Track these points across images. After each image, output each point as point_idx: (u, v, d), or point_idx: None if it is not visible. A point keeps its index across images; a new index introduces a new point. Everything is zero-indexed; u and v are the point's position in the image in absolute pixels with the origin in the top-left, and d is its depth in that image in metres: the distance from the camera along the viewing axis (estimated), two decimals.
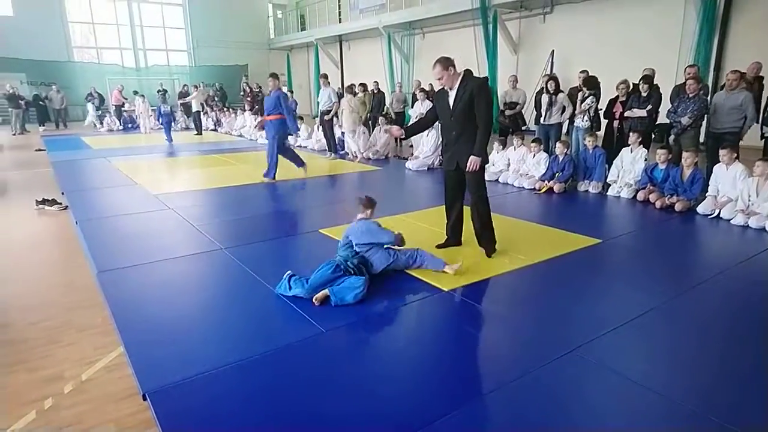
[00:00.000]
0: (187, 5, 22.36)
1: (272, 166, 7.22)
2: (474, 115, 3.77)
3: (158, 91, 18.54)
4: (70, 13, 19.96)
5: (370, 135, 10.04)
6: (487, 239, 4.04)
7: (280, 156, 7.28)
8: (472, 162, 3.81)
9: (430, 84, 12.57)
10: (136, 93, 16.59)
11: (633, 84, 6.80)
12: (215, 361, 2.44)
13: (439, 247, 4.18)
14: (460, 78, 3.82)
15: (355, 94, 9.97)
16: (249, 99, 15.08)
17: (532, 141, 7.05)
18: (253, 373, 2.38)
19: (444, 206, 4.30)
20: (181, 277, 3.65)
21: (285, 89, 14.61)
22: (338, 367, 2.44)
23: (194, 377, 2.31)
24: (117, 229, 4.88)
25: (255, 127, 11.72)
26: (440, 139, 8.55)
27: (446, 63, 3.79)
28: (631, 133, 6.25)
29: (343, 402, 2.17)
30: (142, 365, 2.41)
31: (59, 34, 19.36)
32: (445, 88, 3.89)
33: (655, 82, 6.63)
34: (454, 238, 4.25)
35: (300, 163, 7.60)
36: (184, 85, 18.89)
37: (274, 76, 7.52)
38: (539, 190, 6.41)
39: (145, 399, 2.17)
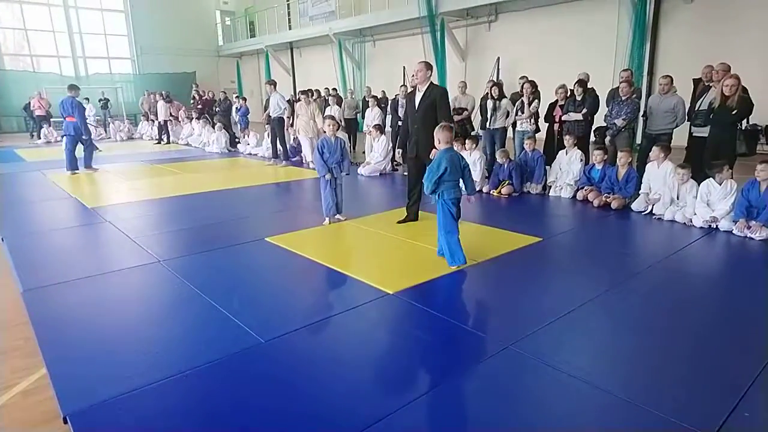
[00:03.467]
0: (130, 12, 21.63)
1: None
2: (431, 114, 4.69)
3: (100, 100, 17.85)
4: None
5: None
6: None
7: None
8: (433, 154, 4.52)
9: (383, 91, 12.70)
10: (87, 100, 15.79)
11: (570, 89, 7.09)
12: (145, 377, 2.33)
13: (399, 222, 5.09)
14: (428, 85, 4.77)
15: (309, 102, 9.81)
16: (200, 107, 14.65)
17: (467, 138, 7.10)
18: (184, 389, 2.29)
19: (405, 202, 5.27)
20: (113, 292, 3.47)
21: (235, 96, 14.41)
22: (276, 379, 2.38)
23: (121, 396, 2.20)
24: (47, 244, 4.62)
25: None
26: (390, 145, 8.75)
27: (427, 66, 4.80)
28: (566, 136, 6.51)
29: (280, 415, 2.12)
30: (65, 386, 2.27)
31: None
32: (417, 87, 4.83)
33: (590, 86, 6.93)
34: (411, 215, 5.16)
35: None
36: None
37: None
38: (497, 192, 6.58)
39: (66, 422, 2.04)
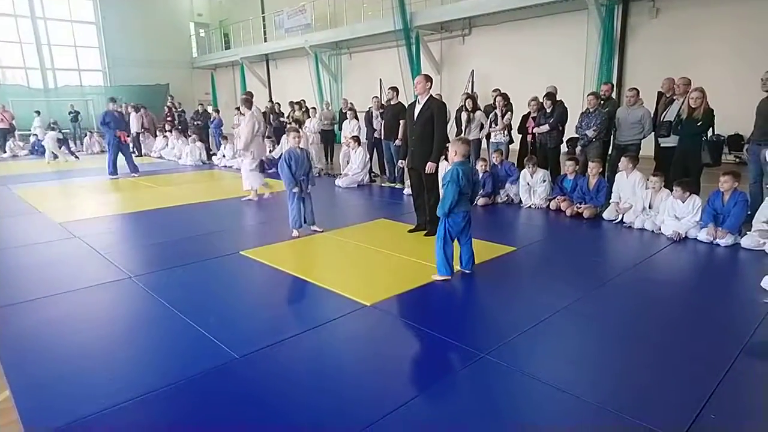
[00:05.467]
0: (101, 23, 21.30)
1: None
2: (429, 127, 4.76)
3: (70, 113, 17.46)
4: None
5: None
6: (433, 224, 4.76)
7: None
8: (429, 167, 4.78)
9: (351, 103, 12.68)
10: (38, 113, 15.52)
11: (541, 102, 7.25)
12: (115, 397, 2.27)
13: (410, 231, 5.18)
14: (428, 97, 4.81)
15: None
16: (170, 119, 14.47)
17: None
18: (156, 408, 2.23)
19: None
20: (81, 310, 3.37)
21: (210, 108, 14.24)
22: (252, 395, 2.35)
23: (89, 417, 2.13)
24: (12, 261, 4.47)
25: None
26: (367, 157, 8.78)
27: (426, 78, 4.86)
28: (525, 161, 6.52)
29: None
30: (31, 408, 2.20)
31: None
32: (417, 99, 4.87)
33: (559, 98, 7.10)
34: (422, 225, 5.16)
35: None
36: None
37: None
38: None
39: None
